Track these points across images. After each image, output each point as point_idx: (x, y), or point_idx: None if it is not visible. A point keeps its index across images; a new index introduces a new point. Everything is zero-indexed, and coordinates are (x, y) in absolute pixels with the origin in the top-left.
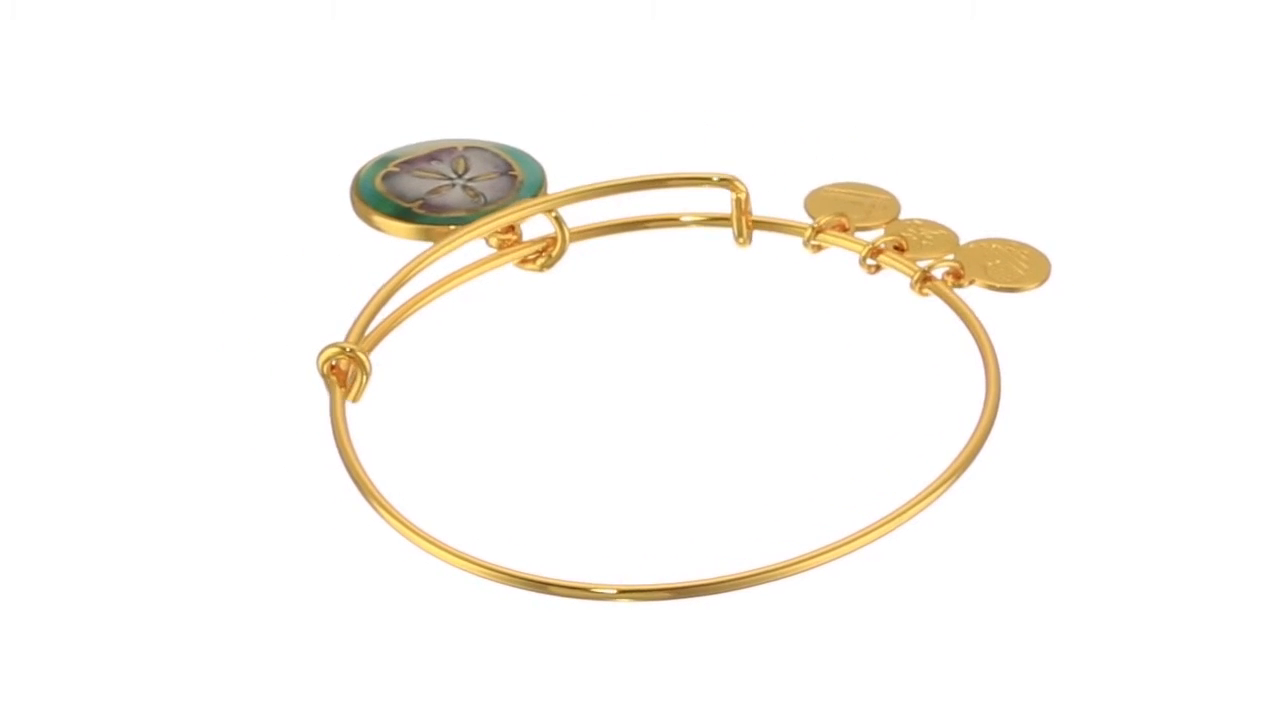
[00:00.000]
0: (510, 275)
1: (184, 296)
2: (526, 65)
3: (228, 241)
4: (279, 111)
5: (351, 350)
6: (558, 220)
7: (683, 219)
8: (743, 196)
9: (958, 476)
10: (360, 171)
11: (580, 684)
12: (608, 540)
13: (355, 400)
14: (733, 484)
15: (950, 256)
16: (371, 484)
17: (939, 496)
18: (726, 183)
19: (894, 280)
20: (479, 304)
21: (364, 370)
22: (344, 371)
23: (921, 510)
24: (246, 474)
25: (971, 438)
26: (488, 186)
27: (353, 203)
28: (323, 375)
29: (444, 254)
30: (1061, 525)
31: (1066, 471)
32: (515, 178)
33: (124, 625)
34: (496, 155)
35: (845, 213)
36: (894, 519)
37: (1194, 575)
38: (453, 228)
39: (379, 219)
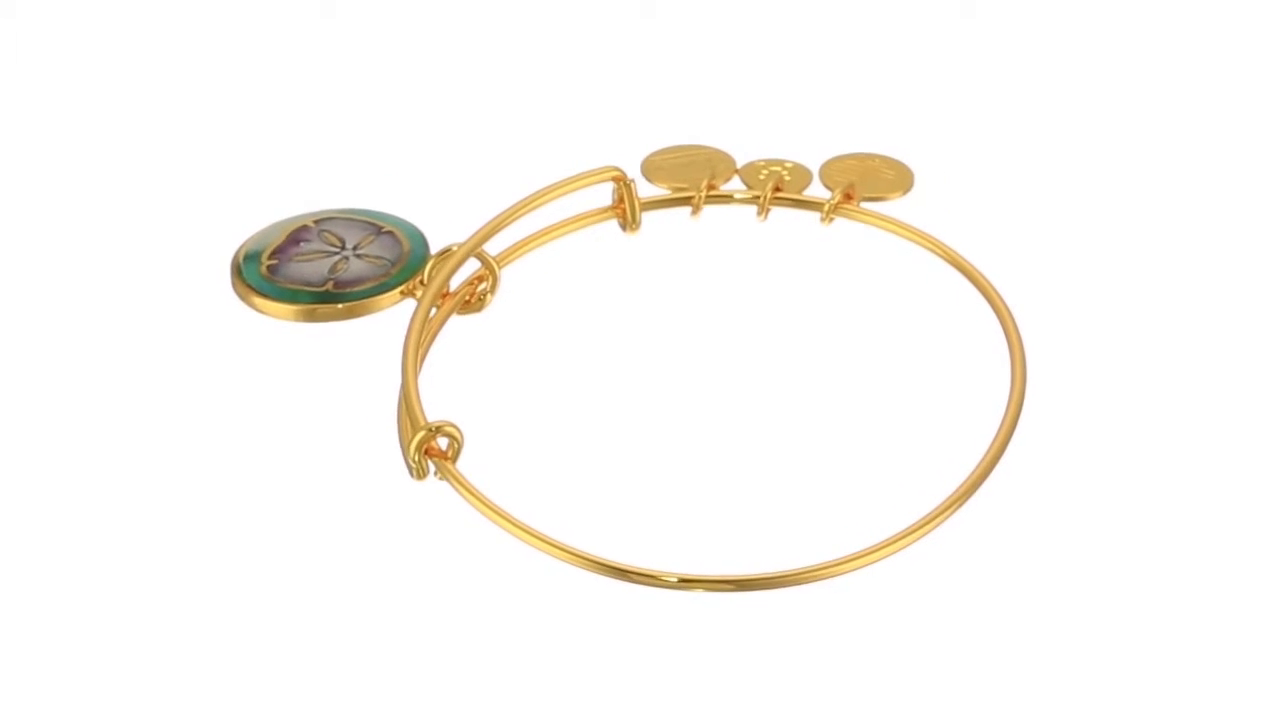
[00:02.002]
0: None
1: None
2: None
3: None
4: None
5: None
6: (483, 257)
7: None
8: (630, 185)
9: (996, 462)
10: (237, 268)
11: (629, 666)
12: (651, 527)
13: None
14: (775, 476)
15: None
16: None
17: (976, 491)
18: (615, 176)
19: (888, 246)
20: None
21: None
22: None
23: (960, 508)
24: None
25: (1001, 427)
26: (378, 249)
27: (252, 299)
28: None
29: (418, 336)
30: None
31: (1100, 455)
32: (392, 234)
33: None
34: (353, 220)
35: (686, 176)
36: (939, 515)
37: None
38: (416, 300)
39: (302, 308)
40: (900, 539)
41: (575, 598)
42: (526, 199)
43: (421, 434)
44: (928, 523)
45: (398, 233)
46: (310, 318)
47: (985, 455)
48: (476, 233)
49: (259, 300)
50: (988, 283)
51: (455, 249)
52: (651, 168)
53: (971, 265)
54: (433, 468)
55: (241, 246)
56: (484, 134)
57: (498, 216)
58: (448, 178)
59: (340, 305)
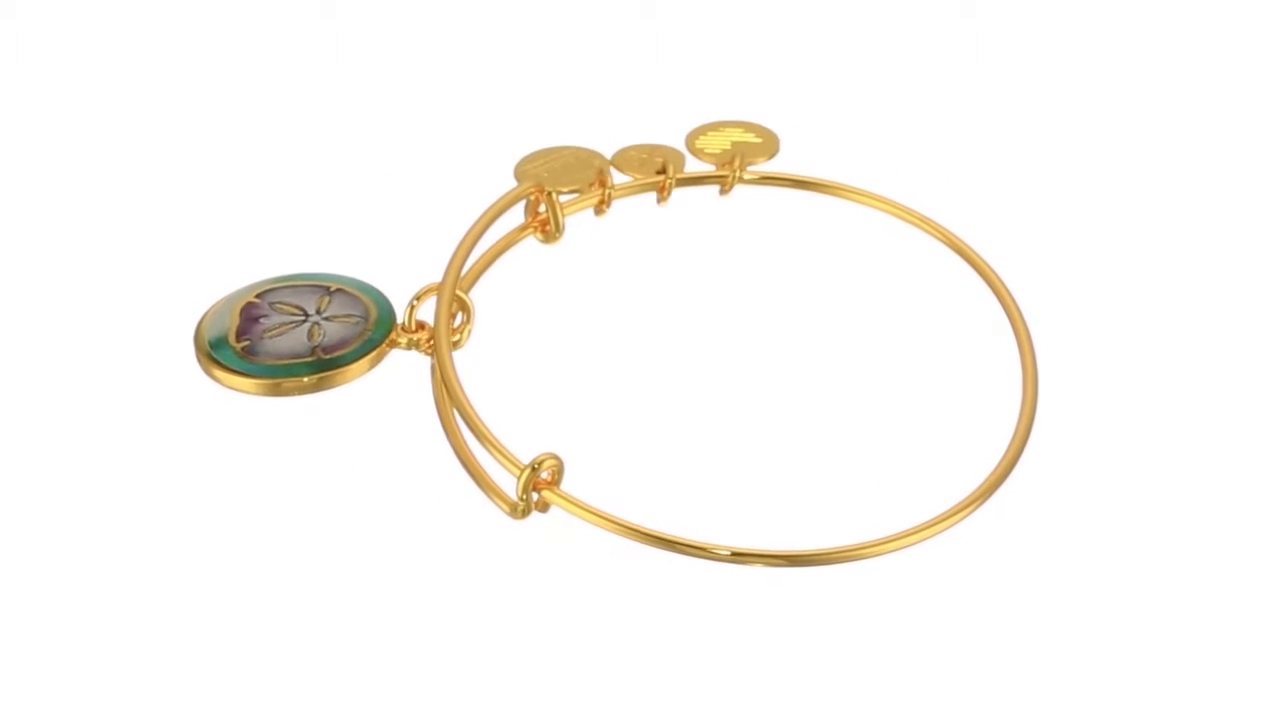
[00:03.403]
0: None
1: None
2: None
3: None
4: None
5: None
6: (459, 297)
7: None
8: (552, 197)
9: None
10: (208, 356)
11: (677, 637)
12: (678, 506)
13: None
14: (798, 459)
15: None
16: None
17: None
18: (537, 190)
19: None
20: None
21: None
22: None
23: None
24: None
25: (1022, 412)
26: (341, 308)
27: (241, 383)
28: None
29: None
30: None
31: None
32: (343, 291)
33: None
34: (297, 286)
35: (564, 177)
36: (975, 501)
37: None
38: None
39: (296, 382)
40: (947, 518)
41: (627, 570)
42: (472, 231)
43: (527, 473)
44: (967, 506)
45: (348, 289)
46: (319, 387)
47: (1013, 440)
48: (448, 272)
49: (250, 382)
50: (990, 268)
51: (430, 290)
52: (528, 173)
53: (970, 247)
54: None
55: (199, 334)
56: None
57: (458, 254)
58: (330, 221)
59: (340, 369)
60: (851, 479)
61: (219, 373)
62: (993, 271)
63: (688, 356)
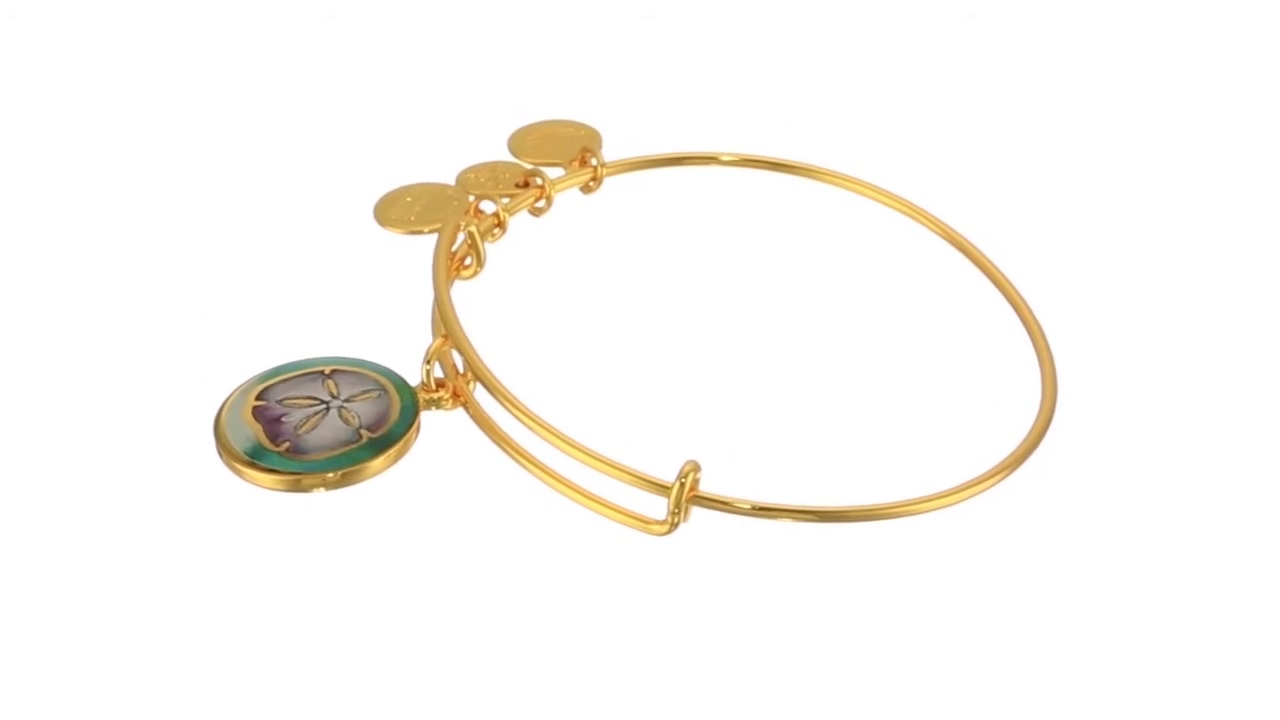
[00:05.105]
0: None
1: None
2: None
3: None
4: None
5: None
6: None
7: (721, 158)
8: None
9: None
10: (253, 465)
11: (696, 591)
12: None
13: None
14: (813, 423)
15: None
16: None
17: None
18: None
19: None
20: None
21: None
22: None
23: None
24: None
25: (1044, 392)
26: (351, 387)
27: (305, 482)
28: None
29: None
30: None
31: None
32: (340, 371)
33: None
34: (293, 378)
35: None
36: (1005, 468)
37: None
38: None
39: (358, 469)
40: (976, 485)
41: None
42: (444, 269)
43: (678, 484)
44: (999, 473)
45: (341, 368)
46: (389, 464)
47: (1038, 418)
48: (442, 331)
49: (312, 479)
50: (989, 260)
51: (438, 348)
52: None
53: (971, 243)
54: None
55: (226, 454)
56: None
57: (441, 305)
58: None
59: (401, 442)
60: (850, 447)
61: (278, 480)
62: (990, 262)
63: (694, 331)
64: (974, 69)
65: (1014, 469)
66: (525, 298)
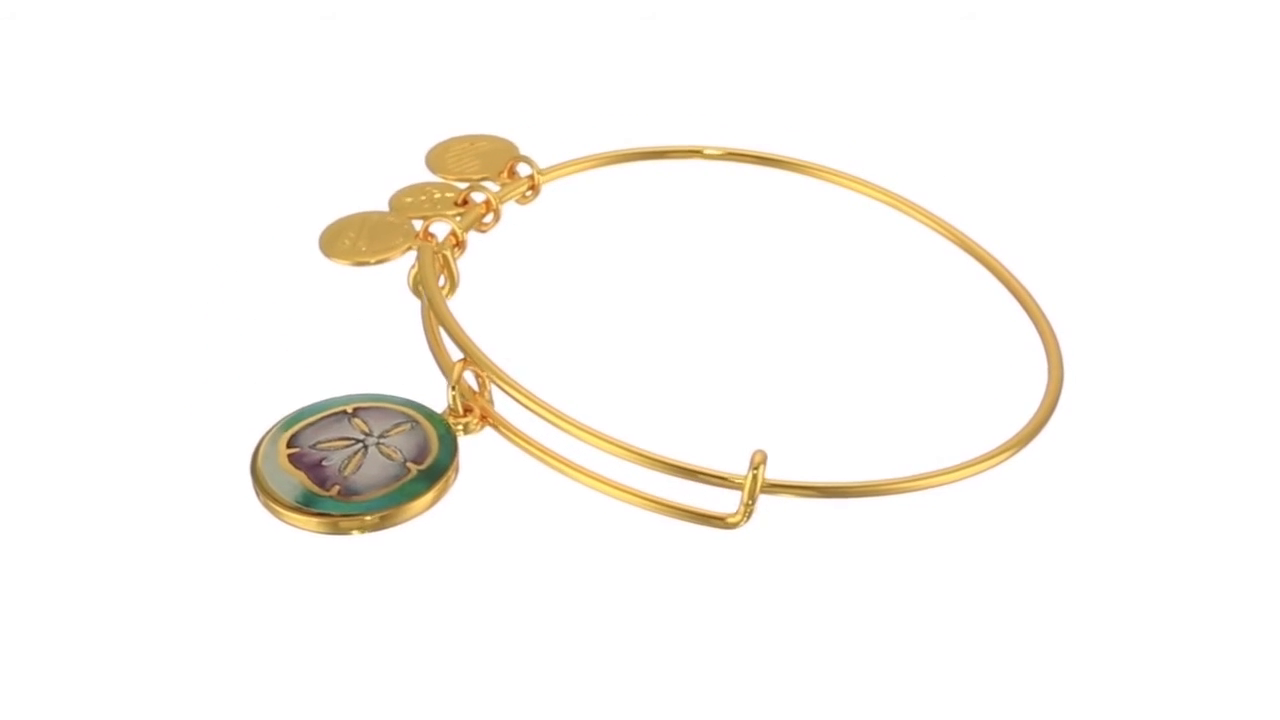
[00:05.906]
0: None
1: None
2: None
3: None
4: None
5: None
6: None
7: (705, 151)
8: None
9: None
10: (312, 512)
11: (697, 564)
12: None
13: None
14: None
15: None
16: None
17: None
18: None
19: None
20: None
21: None
22: None
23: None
24: None
25: (1050, 374)
26: (381, 422)
27: (368, 520)
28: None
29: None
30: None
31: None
32: (365, 408)
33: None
34: (318, 420)
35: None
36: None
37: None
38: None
39: (416, 504)
40: (980, 462)
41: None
42: (440, 294)
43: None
44: (1004, 451)
45: (364, 405)
46: (442, 494)
47: (1044, 400)
48: (463, 354)
49: (378, 517)
50: (985, 252)
51: (460, 371)
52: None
53: (981, 246)
54: None
55: (276, 506)
56: None
57: (451, 329)
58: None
59: (451, 468)
60: (852, 432)
61: (337, 523)
62: (988, 253)
63: (686, 324)
64: (962, 63)
65: (1022, 446)
66: (511, 304)
